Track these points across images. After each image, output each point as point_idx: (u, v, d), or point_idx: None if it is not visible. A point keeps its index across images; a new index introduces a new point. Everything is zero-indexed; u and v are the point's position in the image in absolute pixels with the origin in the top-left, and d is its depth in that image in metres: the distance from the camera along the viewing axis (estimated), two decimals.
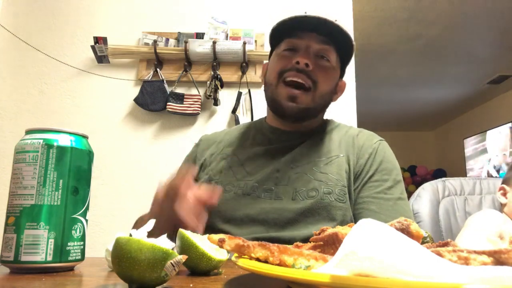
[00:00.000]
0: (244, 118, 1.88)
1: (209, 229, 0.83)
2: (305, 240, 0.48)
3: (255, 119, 1.85)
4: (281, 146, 0.91)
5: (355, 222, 0.41)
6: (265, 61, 1.03)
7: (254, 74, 1.92)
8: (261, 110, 1.87)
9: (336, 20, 0.86)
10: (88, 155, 0.54)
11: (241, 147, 0.94)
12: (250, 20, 1.98)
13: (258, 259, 0.34)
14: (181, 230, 0.50)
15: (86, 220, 0.53)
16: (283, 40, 0.91)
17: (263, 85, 1.01)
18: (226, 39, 1.90)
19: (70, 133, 0.53)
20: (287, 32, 0.89)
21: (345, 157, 0.88)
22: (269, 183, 0.85)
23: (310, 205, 0.81)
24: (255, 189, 0.84)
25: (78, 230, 0.51)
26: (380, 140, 0.93)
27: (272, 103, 0.90)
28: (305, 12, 0.87)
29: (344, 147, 0.90)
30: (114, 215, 1.79)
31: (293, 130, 0.93)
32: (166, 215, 0.65)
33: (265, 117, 1.02)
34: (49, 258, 0.48)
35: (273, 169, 0.87)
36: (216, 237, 0.37)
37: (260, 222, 0.81)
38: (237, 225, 0.82)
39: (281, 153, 0.90)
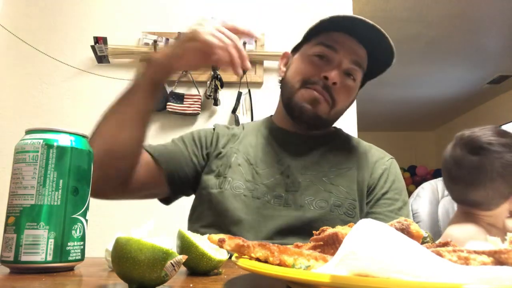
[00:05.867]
0: (244, 118, 1.88)
1: (217, 229, 0.82)
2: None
3: (255, 119, 1.85)
4: (292, 149, 0.90)
5: None
6: (286, 51, 0.99)
7: (254, 74, 1.92)
8: (261, 110, 1.87)
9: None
10: (88, 155, 0.54)
11: (252, 145, 0.92)
12: (250, 20, 1.98)
13: (258, 259, 0.34)
14: (180, 230, 0.50)
15: (86, 220, 0.53)
16: (317, 36, 0.87)
17: (279, 77, 0.97)
18: None
19: (70, 133, 0.52)
20: (323, 29, 0.86)
21: (356, 171, 0.88)
22: (279, 189, 0.84)
23: (318, 216, 0.80)
24: (265, 194, 0.83)
25: (78, 230, 0.51)
26: (391, 158, 0.95)
27: (291, 104, 0.88)
28: (348, 14, 0.86)
29: (356, 161, 0.90)
30: (114, 215, 1.78)
31: (302, 134, 0.92)
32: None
33: (271, 116, 1.01)
34: (49, 258, 0.48)
35: (284, 174, 0.86)
36: (216, 237, 0.37)
37: (267, 228, 0.80)
38: (244, 228, 0.80)
39: (292, 157, 0.89)
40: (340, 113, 0.91)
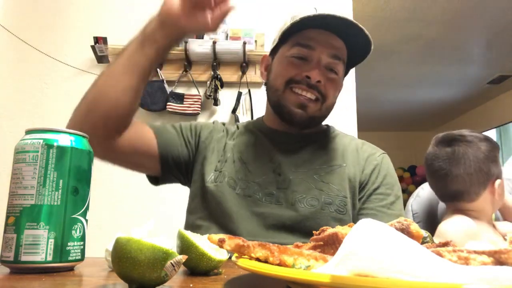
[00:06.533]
0: (244, 118, 1.88)
1: (212, 222, 0.83)
2: None
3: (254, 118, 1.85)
4: (283, 148, 0.91)
5: None
6: (264, 53, 1.00)
7: (254, 74, 1.92)
8: (261, 110, 1.86)
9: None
10: (88, 155, 0.54)
11: (245, 144, 0.93)
12: (250, 20, 1.98)
13: (258, 259, 0.34)
14: (180, 230, 0.50)
15: (86, 220, 0.53)
16: (292, 35, 0.87)
17: (263, 81, 0.98)
18: (226, 39, 1.90)
19: (70, 133, 0.53)
20: (298, 28, 0.86)
21: (348, 167, 0.88)
22: (271, 187, 0.84)
23: (309, 214, 0.81)
24: (257, 192, 0.84)
25: (78, 230, 0.51)
26: (383, 153, 0.95)
27: (279, 108, 0.88)
28: (315, 9, 0.85)
29: (348, 157, 0.90)
30: (114, 215, 1.79)
31: (294, 134, 0.92)
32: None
33: (262, 116, 1.02)
34: (49, 258, 0.48)
35: (275, 172, 0.86)
36: (216, 237, 0.37)
37: (260, 225, 0.81)
38: (238, 223, 0.81)
39: (283, 155, 0.89)
40: (331, 107, 0.91)
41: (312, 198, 0.83)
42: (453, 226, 1.14)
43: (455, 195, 1.17)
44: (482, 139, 1.15)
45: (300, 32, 0.86)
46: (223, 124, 1.01)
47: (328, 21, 0.82)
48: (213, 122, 1.01)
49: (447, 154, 1.15)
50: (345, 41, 0.87)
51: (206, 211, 0.85)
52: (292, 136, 0.92)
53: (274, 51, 0.93)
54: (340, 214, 0.82)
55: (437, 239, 0.87)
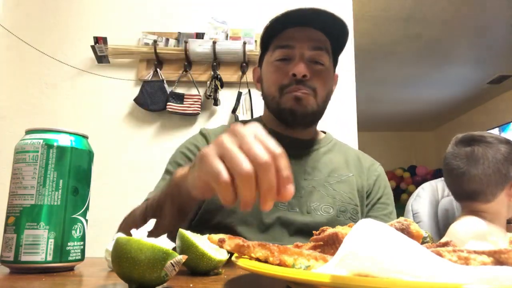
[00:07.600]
0: (244, 118, 1.88)
1: (226, 229, 0.81)
2: None
3: None
4: (290, 153, 0.90)
5: None
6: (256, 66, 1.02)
7: None
8: (261, 110, 1.86)
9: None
10: (88, 155, 0.54)
11: None
12: (250, 20, 1.98)
13: (258, 259, 0.34)
14: (181, 230, 0.50)
15: (86, 220, 0.53)
16: (272, 41, 0.89)
17: (259, 91, 0.99)
18: (226, 39, 1.90)
19: (70, 133, 0.53)
20: (276, 32, 0.87)
21: (355, 177, 0.91)
22: None
23: (326, 221, 0.82)
24: None
25: (78, 230, 0.51)
26: (379, 164, 1.00)
27: (280, 112, 0.88)
28: (286, 9, 0.86)
29: (353, 167, 0.94)
30: (114, 215, 1.78)
31: (294, 137, 0.92)
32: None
33: (260, 116, 1.01)
34: (49, 258, 0.48)
35: None
36: (216, 237, 0.37)
37: (276, 230, 0.81)
38: (254, 231, 0.80)
39: (291, 161, 0.88)
40: (327, 98, 0.91)
41: (326, 205, 0.84)
42: (462, 227, 1.14)
43: (470, 195, 1.17)
44: (502, 141, 1.16)
45: (278, 34, 0.88)
46: (216, 129, 0.97)
47: (301, 15, 0.83)
48: (202, 133, 0.95)
49: (466, 153, 1.16)
50: (325, 31, 0.88)
51: (218, 219, 0.82)
52: (296, 141, 0.92)
53: (260, 61, 0.95)
54: (354, 222, 0.83)
55: (446, 239, 0.86)
